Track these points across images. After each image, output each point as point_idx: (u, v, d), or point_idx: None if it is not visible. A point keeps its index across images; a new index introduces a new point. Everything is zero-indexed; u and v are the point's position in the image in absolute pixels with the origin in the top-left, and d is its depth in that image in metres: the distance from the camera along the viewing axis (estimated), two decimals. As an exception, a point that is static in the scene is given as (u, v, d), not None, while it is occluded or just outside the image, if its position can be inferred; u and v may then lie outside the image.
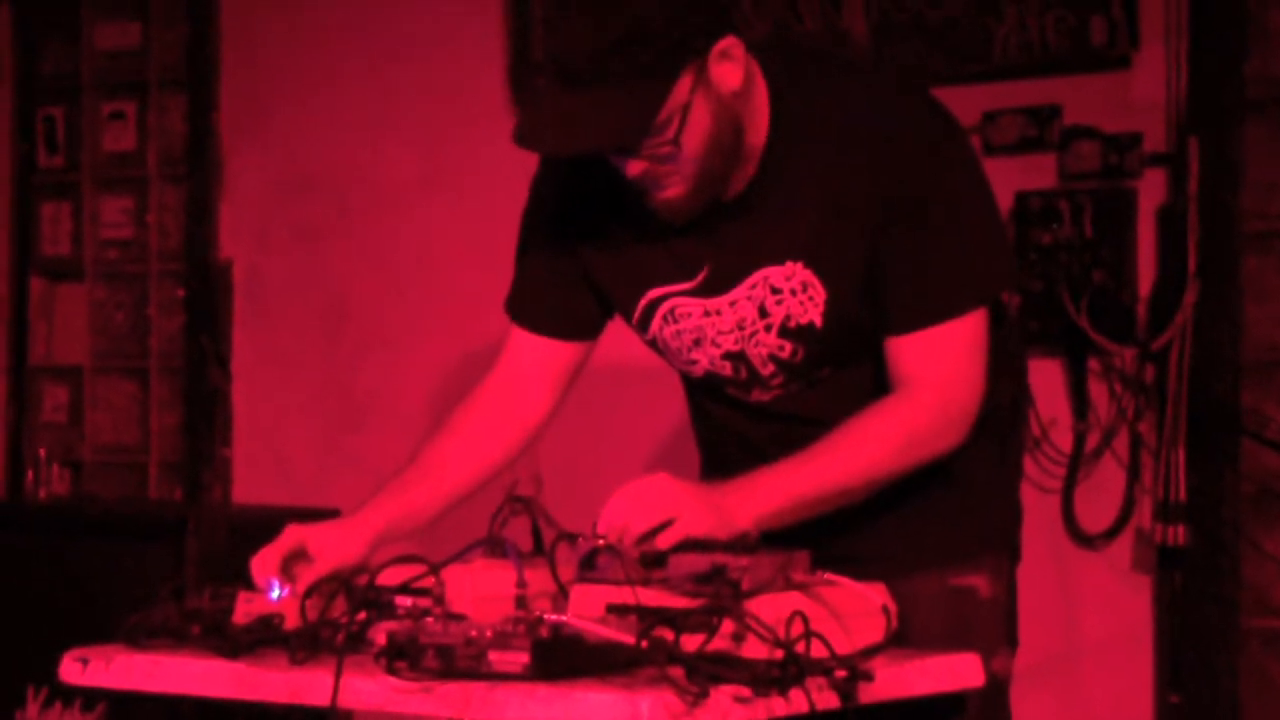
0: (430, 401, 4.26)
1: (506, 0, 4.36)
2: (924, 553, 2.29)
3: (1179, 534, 3.60)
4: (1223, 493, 3.60)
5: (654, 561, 1.96)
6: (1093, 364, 3.72)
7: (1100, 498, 3.73)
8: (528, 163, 4.38)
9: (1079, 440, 3.73)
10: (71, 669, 2.04)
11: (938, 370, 2.17)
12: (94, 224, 5.08)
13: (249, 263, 4.84)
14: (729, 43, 2.07)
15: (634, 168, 2.09)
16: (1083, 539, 3.74)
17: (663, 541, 1.98)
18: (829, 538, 2.14)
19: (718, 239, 2.20)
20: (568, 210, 2.33)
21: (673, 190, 2.12)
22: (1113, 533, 3.72)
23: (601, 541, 1.97)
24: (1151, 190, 3.68)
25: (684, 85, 2.04)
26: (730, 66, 2.08)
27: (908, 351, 2.17)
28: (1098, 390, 3.72)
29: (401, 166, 4.59)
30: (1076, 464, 3.73)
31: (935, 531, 2.29)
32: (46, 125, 5.16)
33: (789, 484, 2.12)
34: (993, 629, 2.33)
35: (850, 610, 1.98)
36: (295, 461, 4.70)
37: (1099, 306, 3.64)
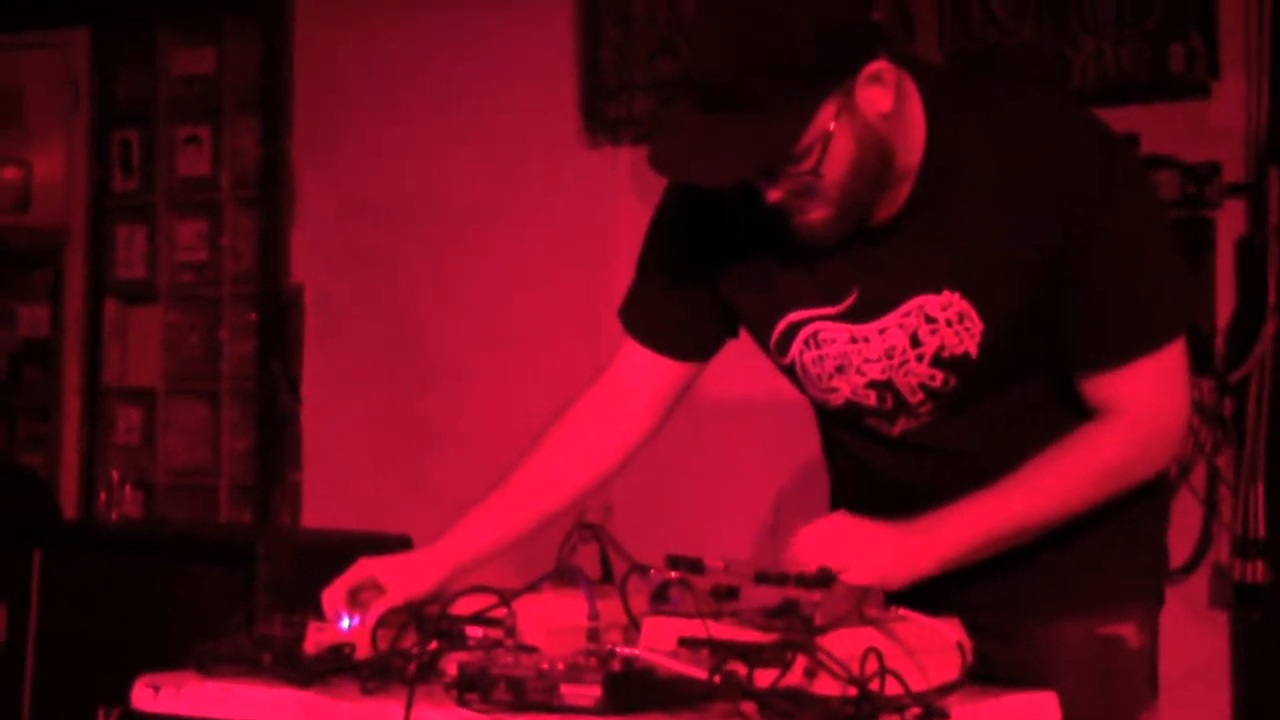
0: (499, 427, 4.24)
1: (579, 29, 4.37)
2: (1072, 598, 2.20)
3: (1258, 570, 3.55)
4: (1302, 529, 3.56)
5: (726, 595, 1.94)
6: (1171, 396, 3.68)
7: (1177, 533, 3.61)
8: (600, 194, 4.40)
9: (1155, 474, 3.69)
10: (144, 695, 2.04)
11: (1139, 401, 2.09)
12: (168, 247, 5.13)
13: (320, 287, 4.87)
14: (879, 66, 1.96)
15: (773, 194, 2.01)
16: (1161, 574, 3.70)
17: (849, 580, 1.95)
18: (974, 580, 2.10)
19: (868, 263, 2.11)
20: (701, 226, 2.23)
21: (815, 214, 2.03)
22: (1190, 568, 3.67)
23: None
24: (1230, 221, 3.64)
25: (827, 112, 1.94)
26: (879, 90, 1.97)
27: (1107, 387, 2.09)
28: (1175, 423, 3.67)
29: (472, 193, 4.60)
30: (1152, 498, 3.69)
31: (1084, 576, 2.19)
32: (122, 149, 5.21)
33: (980, 520, 2.06)
34: (1140, 681, 2.24)
35: (925, 646, 1.95)
36: (363, 486, 4.71)
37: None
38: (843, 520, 2.02)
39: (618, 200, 4.24)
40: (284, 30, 4.91)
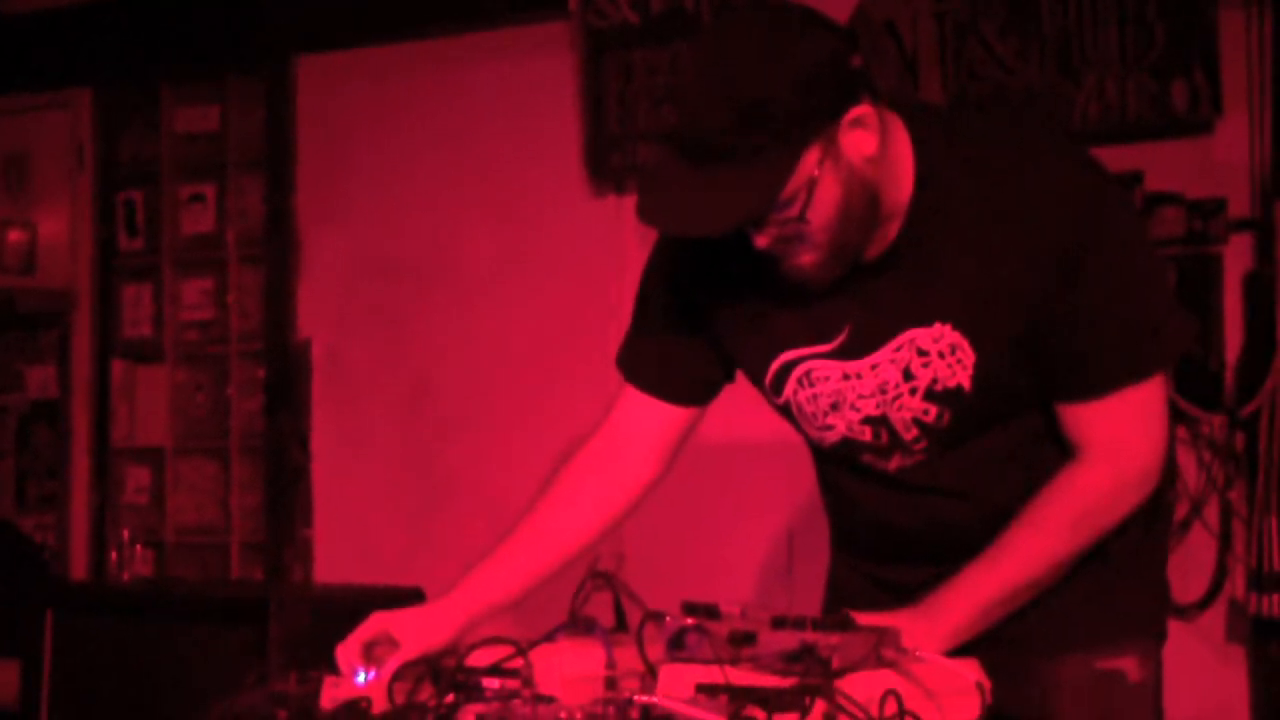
0: (508, 478, 4.25)
1: (581, 80, 4.38)
2: (1071, 634, 2.19)
3: (1274, 604, 3.53)
4: (1317, 562, 3.55)
5: (743, 640, 1.93)
6: (1180, 432, 3.67)
7: (1191, 568, 3.67)
8: (606, 243, 4.40)
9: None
10: (159, 754, 2.04)
11: (1115, 436, 2.10)
12: (174, 306, 5.13)
13: (327, 342, 4.87)
14: (861, 111, 1.98)
15: (761, 241, 2.03)
16: (1174, 610, 3.68)
17: None
18: None
19: (860, 299, 2.13)
20: (694, 270, 2.25)
21: (804, 258, 2.05)
22: (1205, 603, 3.66)
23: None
24: (1237, 256, 3.64)
25: (810, 159, 1.96)
26: (863, 134, 2.00)
27: (1085, 419, 2.10)
28: (1186, 459, 3.67)
29: (479, 247, 4.60)
30: (1166, 534, 3.68)
31: (1082, 611, 2.19)
32: (127, 209, 5.22)
33: (973, 594, 2.09)
34: (1144, 716, 2.23)
35: (943, 688, 1.94)
36: (376, 540, 4.70)
37: (1186, 374, 3.59)
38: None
39: (624, 249, 4.24)
40: (287, 87, 4.92)
